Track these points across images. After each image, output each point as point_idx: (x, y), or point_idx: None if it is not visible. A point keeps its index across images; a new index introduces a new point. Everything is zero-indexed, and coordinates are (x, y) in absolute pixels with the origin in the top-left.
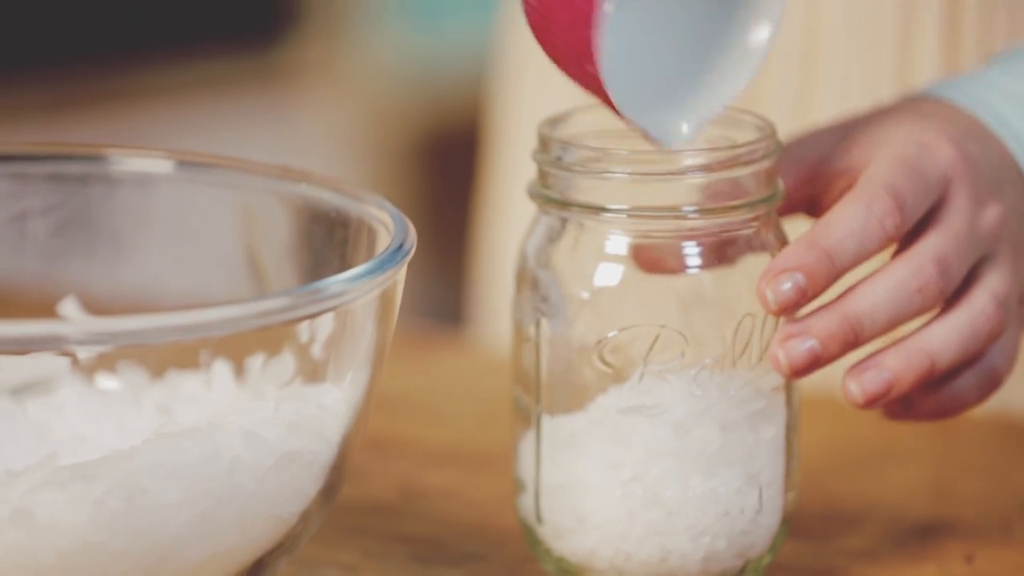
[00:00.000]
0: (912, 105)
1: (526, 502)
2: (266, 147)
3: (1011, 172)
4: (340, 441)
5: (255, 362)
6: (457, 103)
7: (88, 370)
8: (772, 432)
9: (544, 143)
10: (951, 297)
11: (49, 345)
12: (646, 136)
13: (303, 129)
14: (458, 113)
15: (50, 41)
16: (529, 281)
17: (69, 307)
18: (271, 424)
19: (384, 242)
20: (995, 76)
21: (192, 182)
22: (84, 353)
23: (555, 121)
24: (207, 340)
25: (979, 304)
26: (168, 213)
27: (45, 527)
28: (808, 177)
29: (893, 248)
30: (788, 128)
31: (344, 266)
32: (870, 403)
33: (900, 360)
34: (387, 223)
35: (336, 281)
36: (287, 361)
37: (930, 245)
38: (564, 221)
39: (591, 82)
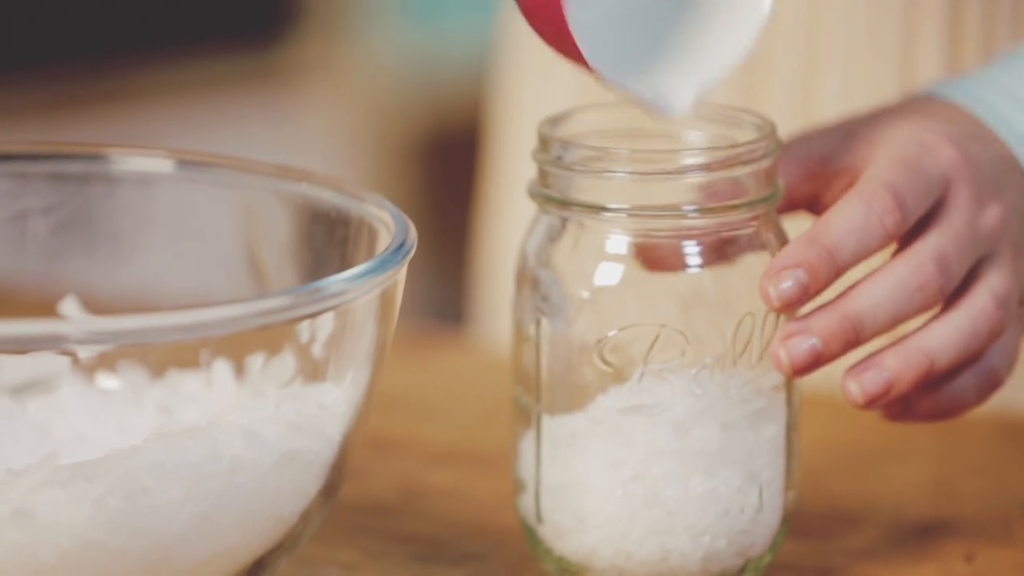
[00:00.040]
0: (914, 105)
1: (526, 501)
2: (266, 146)
3: (1013, 172)
4: (340, 440)
5: (255, 361)
6: (457, 102)
7: (89, 369)
8: (772, 431)
9: (544, 142)
10: (951, 297)
11: (50, 344)
12: (643, 105)
13: (303, 128)
14: (458, 112)
15: (50, 41)
16: (529, 280)
17: (69, 306)
18: (271, 423)
19: (384, 241)
20: (997, 76)
21: (192, 181)
22: (85, 352)
23: (555, 120)
24: (208, 339)
25: (979, 303)
26: (168, 212)
27: (46, 526)
28: (809, 175)
29: (892, 248)
30: (789, 127)
31: (344, 265)
32: (870, 403)
33: (899, 360)
34: (387, 222)
35: (336, 280)
36: (287, 360)
37: (930, 244)
38: (564, 220)
39: (572, 51)
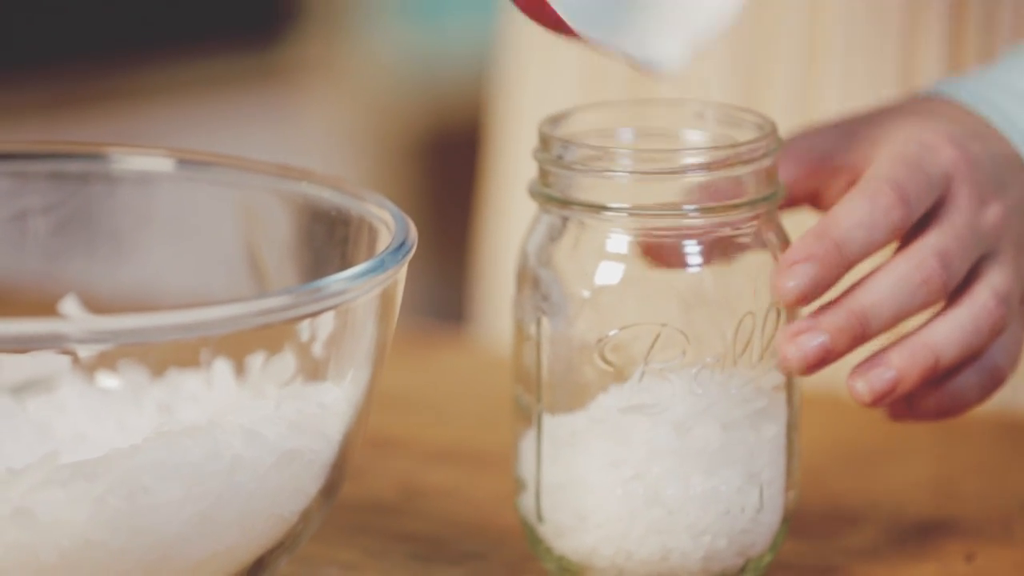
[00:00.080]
0: (915, 104)
1: (527, 501)
2: (266, 145)
3: (1015, 170)
4: (341, 440)
5: (256, 361)
6: (458, 101)
7: (89, 368)
8: (773, 431)
9: (545, 141)
10: (953, 294)
11: (50, 344)
12: (630, 62)
13: (303, 127)
14: (459, 111)
15: (50, 41)
16: (530, 280)
17: (70, 305)
18: (272, 423)
19: (385, 241)
20: (999, 74)
21: (192, 181)
22: (85, 351)
23: (556, 119)
24: (208, 339)
25: (981, 299)
26: (168, 212)
27: (46, 525)
28: (810, 171)
29: (893, 248)
30: (790, 126)
31: (345, 265)
32: (877, 401)
33: (904, 357)
34: (388, 221)
35: (337, 280)
36: (288, 360)
37: (932, 240)
38: (565, 220)
39: (553, 18)
